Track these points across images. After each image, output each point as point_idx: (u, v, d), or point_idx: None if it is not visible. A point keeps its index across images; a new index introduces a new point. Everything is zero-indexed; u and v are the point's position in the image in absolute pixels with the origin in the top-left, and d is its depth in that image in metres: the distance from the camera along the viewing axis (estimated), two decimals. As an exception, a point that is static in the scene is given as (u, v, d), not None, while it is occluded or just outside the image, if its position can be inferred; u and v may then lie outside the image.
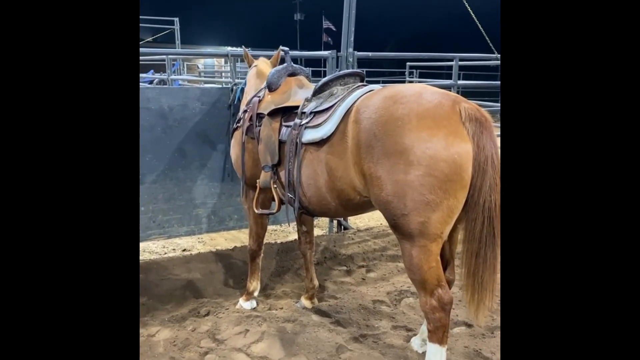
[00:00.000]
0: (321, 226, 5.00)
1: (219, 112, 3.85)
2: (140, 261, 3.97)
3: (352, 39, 4.23)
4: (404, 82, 10.47)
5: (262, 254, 3.18)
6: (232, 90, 3.81)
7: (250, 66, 3.46)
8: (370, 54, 4.44)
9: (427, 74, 11.76)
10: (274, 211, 2.75)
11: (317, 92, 2.50)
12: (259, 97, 2.81)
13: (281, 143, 2.57)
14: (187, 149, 3.79)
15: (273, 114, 2.62)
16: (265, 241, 3.25)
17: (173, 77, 8.75)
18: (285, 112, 2.59)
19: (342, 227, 4.73)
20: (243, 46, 3.60)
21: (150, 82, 9.31)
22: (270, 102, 2.71)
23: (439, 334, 2.20)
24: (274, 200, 2.91)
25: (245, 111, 2.85)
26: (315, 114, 2.39)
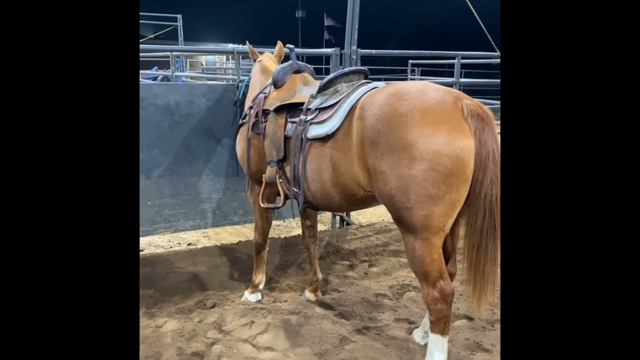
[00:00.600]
0: (324, 222, 5.05)
1: (225, 108, 3.91)
2: (146, 255, 4.04)
3: (355, 36, 4.28)
4: (405, 79, 10.51)
5: (267, 248, 3.24)
6: (237, 86, 3.87)
7: (255, 61, 3.51)
8: (374, 51, 4.49)
9: (428, 71, 11.80)
10: (280, 205, 2.80)
11: (322, 89, 2.55)
12: (265, 93, 2.86)
13: (287, 139, 2.62)
14: (193, 145, 3.85)
15: (278, 110, 2.67)
16: (269, 236, 3.31)
17: (177, 73, 8.80)
18: (291, 109, 2.65)
19: (345, 222, 4.79)
20: (247, 42, 3.64)
21: (154, 79, 9.37)
22: (275, 98, 2.76)
23: (440, 324, 2.25)
24: (279, 194, 2.97)
25: (251, 107, 2.90)
26: (321, 110, 2.45)
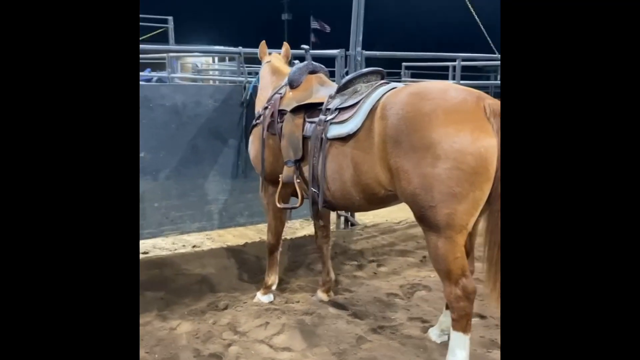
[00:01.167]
0: (327, 223, 5.06)
1: (232, 109, 3.90)
2: (153, 257, 4.01)
3: (360, 38, 4.31)
4: (399, 81, 10.48)
5: (280, 249, 3.23)
6: (244, 87, 3.87)
7: (262, 60, 3.51)
8: (378, 53, 4.52)
9: (420, 74, 11.86)
10: (297, 206, 2.81)
11: (341, 89, 2.57)
12: (280, 94, 2.87)
13: (305, 139, 2.63)
14: (199, 146, 3.84)
15: (296, 110, 2.68)
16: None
17: (172, 75, 8.75)
18: (309, 109, 2.65)
19: (350, 223, 4.80)
20: (264, 42, 3.60)
21: (148, 81, 9.29)
22: (292, 99, 2.77)
23: (462, 322, 2.28)
24: (293, 195, 2.97)
25: (265, 108, 2.90)
26: (341, 110, 2.46)
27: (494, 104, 2.14)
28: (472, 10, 4.92)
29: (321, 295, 3.24)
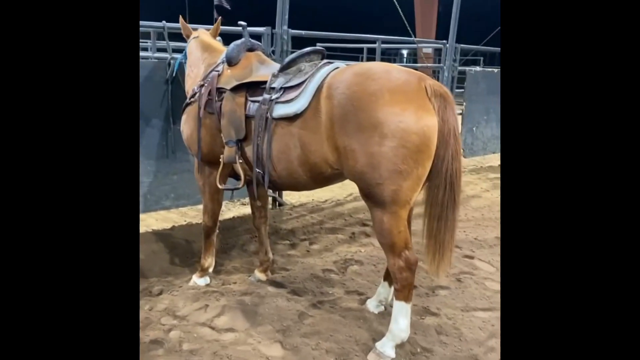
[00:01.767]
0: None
1: (155, 87, 3.72)
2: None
3: (286, 17, 4.28)
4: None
5: (217, 231, 3.18)
6: (169, 64, 3.69)
7: (188, 37, 3.38)
8: (303, 32, 4.52)
9: (333, 55, 12.06)
10: (239, 187, 2.77)
11: (284, 68, 2.55)
12: (218, 71, 2.78)
13: (247, 118, 2.59)
14: (121, 126, 3.61)
15: (237, 89, 2.62)
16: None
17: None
18: (250, 87, 2.61)
19: (278, 203, 4.82)
20: (180, 17, 3.47)
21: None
22: (230, 76, 2.70)
23: (405, 292, 2.41)
24: (231, 176, 2.93)
25: (202, 85, 2.81)
26: (286, 89, 2.45)
27: (434, 84, 2.26)
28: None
29: (259, 275, 3.25)
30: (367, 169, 2.21)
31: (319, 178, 2.49)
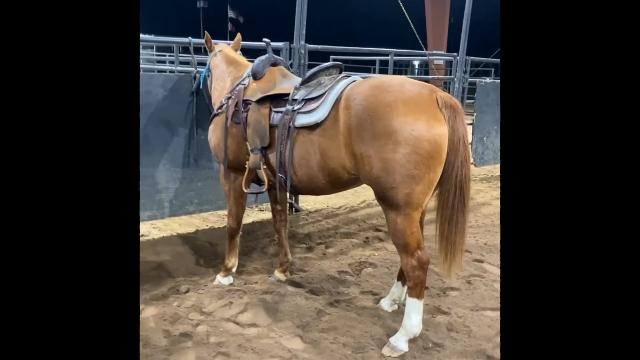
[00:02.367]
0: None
1: (181, 99, 3.95)
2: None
3: (304, 31, 4.50)
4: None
5: (240, 233, 3.38)
6: (194, 77, 3.93)
7: (211, 51, 3.60)
8: (320, 47, 4.75)
9: (348, 67, 12.32)
10: (263, 190, 2.97)
11: (305, 82, 2.77)
12: (244, 84, 3.01)
13: (271, 127, 2.80)
14: (150, 135, 3.85)
15: (262, 100, 2.85)
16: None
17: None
18: (274, 99, 2.83)
19: (295, 209, 5.02)
20: (206, 32, 3.70)
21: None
22: (256, 89, 2.92)
23: (417, 289, 2.59)
24: (254, 182, 3.14)
25: (229, 98, 3.03)
26: (307, 101, 2.66)
27: (445, 96, 2.46)
28: (402, 8, 5.25)
29: (279, 275, 3.44)
30: (382, 174, 2.40)
31: (337, 182, 2.68)
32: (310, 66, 4.28)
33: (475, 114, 6.55)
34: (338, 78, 2.71)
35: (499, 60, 8.34)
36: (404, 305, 2.75)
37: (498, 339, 2.81)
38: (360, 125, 2.43)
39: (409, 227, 2.48)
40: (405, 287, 2.80)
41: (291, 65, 4.59)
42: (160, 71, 10.06)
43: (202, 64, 4.25)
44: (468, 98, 6.78)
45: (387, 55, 5.91)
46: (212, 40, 3.64)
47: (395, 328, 2.79)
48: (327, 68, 2.80)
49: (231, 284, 3.37)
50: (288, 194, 2.88)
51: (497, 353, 2.69)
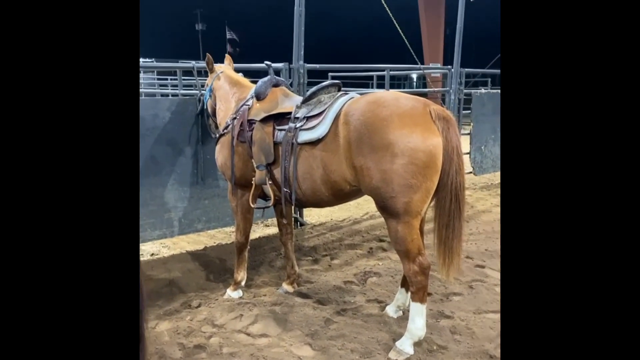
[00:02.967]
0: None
1: (187, 120, 4.12)
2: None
3: (302, 52, 4.69)
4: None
5: (248, 247, 3.51)
6: (199, 100, 4.10)
7: (212, 72, 3.76)
8: (317, 66, 4.93)
9: (346, 84, 12.52)
10: (270, 205, 3.11)
11: (306, 100, 2.93)
12: (248, 105, 3.17)
13: (275, 144, 2.96)
14: (158, 156, 4.01)
15: (265, 120, 3.00)
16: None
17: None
18: (277, 118, 2.99)
19: (299, 223, 5.15)
20: (208, 54, 3.87)
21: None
22: (259, 109, 3.08)
23: (420, 294, 2.70)
24: (260, 197, 3.28)
25: (234, 118, 3.19)
26: (308, 118, 2.82)
27: (438, 109, 2.61)
28: (395, 23, 5.44)
29: (287, 287, 3.56)
30: (381, 184, 2.54)
31: (340, 194, 2.82)
32: (309, 84, 4.47)
33: (472, 124, 6.71)
34: (337, 95, 2.87)
35: (494, 70, 8.54)
36: (409, 310, 2.86)
37: (500, 340, 2.91)
38: (359, 139, 2.58)
39: (410, 234, 2.60)
40: (409, 294, 2.91)
41: (291, 84, 4.76)
42: (163, 95, 10.34)
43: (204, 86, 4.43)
44: (464, 109, 6.94)
45: (384, 70, 6.09)
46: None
47: (401, 333, 2.90)
48: (326, 87, 2.96)
49: (241, 297, 3.49)
50: (293, 208, 3.01)
51: (499, 353, 2.79)
